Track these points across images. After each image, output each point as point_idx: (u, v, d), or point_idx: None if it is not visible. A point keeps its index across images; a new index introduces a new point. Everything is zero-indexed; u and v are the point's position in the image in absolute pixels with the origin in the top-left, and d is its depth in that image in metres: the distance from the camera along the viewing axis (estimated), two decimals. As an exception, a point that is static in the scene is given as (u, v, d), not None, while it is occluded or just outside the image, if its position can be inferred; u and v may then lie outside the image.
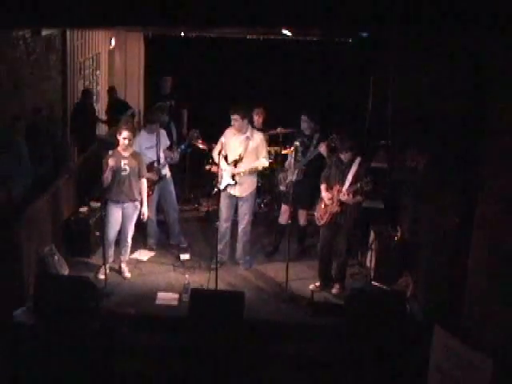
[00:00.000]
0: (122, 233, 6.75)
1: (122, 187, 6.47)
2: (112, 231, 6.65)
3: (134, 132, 6.85)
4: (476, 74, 5.04)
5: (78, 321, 5.21)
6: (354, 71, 9.86)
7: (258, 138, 6.94)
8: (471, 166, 5.07)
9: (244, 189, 6.95)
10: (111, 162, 6.34)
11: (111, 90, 10.03)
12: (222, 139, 6.92)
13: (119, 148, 6.49)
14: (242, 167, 6.86)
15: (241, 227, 7.14)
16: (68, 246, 7.27)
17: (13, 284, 5.89)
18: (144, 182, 6.72)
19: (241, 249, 7.19)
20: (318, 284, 6.70)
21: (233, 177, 6.87)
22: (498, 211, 4.57)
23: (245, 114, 6.83)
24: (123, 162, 6.46)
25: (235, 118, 6.76)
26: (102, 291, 6.23)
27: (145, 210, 6.76)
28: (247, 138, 6.85)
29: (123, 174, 6.47)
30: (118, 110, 9.62)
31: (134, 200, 6.64)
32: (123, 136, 6.39)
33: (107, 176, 6.38)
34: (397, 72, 8.54)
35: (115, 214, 6.60)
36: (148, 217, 7.49)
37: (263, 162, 6.96)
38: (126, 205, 6.57)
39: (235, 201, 7.05)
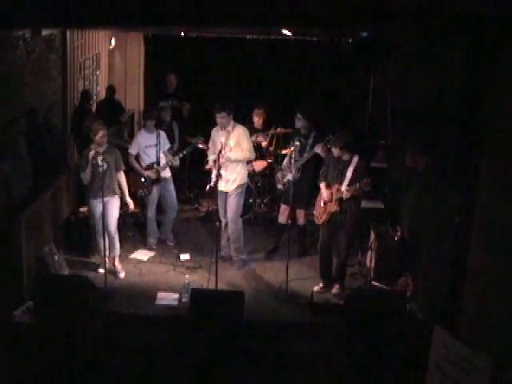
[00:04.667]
0: (106, 229, 6.74)
1: (102, 183, 6.48)
2: (100, 228, 6.66)
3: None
4: (476, 73, 5.03)
5: (78, 321, 5.21)
6: (354, 71, 9.85)
7: (239, 130, 6.96)
8: (471, 165, 5.07)
9: (228, 184, 6.99)
10: (91, 155, 6.47)
11: (110, 89, 9.85)
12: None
13: (93, 146, 6.57)
14: (225, 158, 6.86)
15: (229, 225, 7.14)
16: (68, 245, 7.28)
17: (13, 284, 5.89)
18: (122, 175, 6.85)
19: (232, 247, 7.22)
20: (321, 285, 6.69)
21: (219, 171, 6.88)
22: (498, 211, 4.57)
23: (231, 110, 6.87)
24: (99, 158, 6.52)
25: (222, 116, 6.81)
26: (102, 291, 6.23)
27: (128, 200, 6.90)
28: (228, 132, 6.91)
29: (100, 169, 6.53)
30: (110, 110, 9.40)
31: (114, 194, 6.74)
32: (100, 135, 6.52)
33: (88, 172, 6.53)
34: (397, 72, 8.53)
35: (97, 209, 6.63)
36: (148, 216, 7.54)
37: (247, 155, 6.97)
38: (106, 199, 6.55)
39: (225, 197, 7.10)
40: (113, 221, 6.78)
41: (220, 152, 6.71)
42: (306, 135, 7.16)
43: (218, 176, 6.84)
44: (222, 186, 7.02)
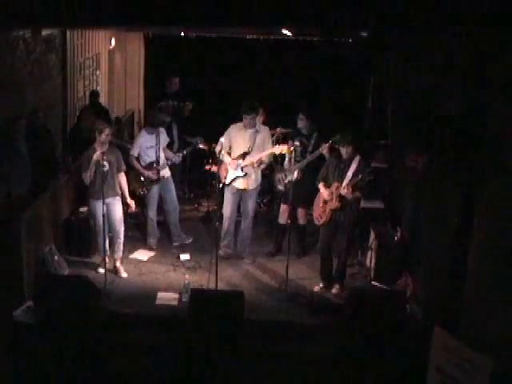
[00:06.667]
0: (112, 230, 6.76)
1: (104, 183, 6.47)
2: (102, 228, 6.64)
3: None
4: (476, 73, 5.03)
5: (78, 321, 5.21)
6: (354, 71, 9.86)
7: (265, 131, 7.13)
8: (471, 165, 5.07)
9: (251, 181, 7.07)
10: (96, 156, 6.42)
11: (93, 95, 9.43)
12: (222, 139, 6.92)
13: (96, 145, 6.55)
14: (255, 157, 6.96)
15: (245, 222, 7.25)
16: (68, 245, 7.28)
17: (13, 284, 5.89)
18: (123, 175, 6.83)
19: (245, 243, 7.32)
20: (321, 286, 6.71)
21: (241, 169, 6.96)
22: (498, 211, 4.57)
23: (259, 111, 7.06)
24: (102, 157, 6.50)
25: (252, 117, 6.88)
26: (102, 291, 6.22)
27: (129, 201, 6.88)
28: (256, 131, 6.99)
29: (104, 169, 6.51)
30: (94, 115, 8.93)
31: (116, 195, 6.73)
32: (106, 133, 6.50)
33: (91, 172, 6.50)
34: (397, 72, 8.53)
35: (98, 210, 6.59)
36: (148, 216, 7.54)
37: (282, 148, 7.00)
38: (108, 200, 6.54)
39: (239, 196, 7.14)
40: (117, 222, 6.78)
41: (248, 153, 6.87)
42: (308, 136, 7.17)
43: (244, 175, 6.96)
44: (240, 184, 7.05)
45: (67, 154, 8.64)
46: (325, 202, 6.44)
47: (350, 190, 6.23)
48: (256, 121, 6.99)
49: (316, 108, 8.10)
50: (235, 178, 7.01)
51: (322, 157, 6.93)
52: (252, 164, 6.97)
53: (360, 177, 6.16)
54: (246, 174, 6.99)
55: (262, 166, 7.23)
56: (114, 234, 6.81)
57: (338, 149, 6.49)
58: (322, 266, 6.71)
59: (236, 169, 6.98)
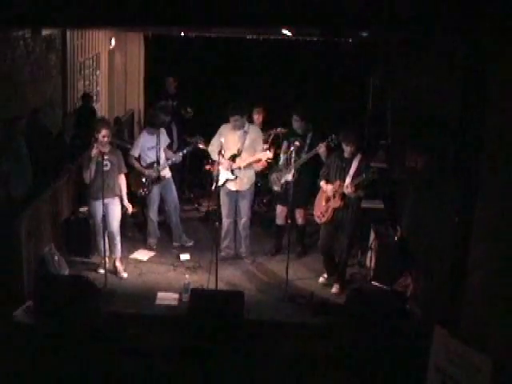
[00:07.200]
0: (109, 231, 6.75)
1: (105, 183, 6.44)
2: (101, 228, 6.64)
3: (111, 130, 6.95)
4: (475, 73, 5.03)
5: (78, 321, 5.21)
6: (354, 71, 9.86)
7: (255, 131, 7.06)
8: (471, 165, 5.07)
9: (243, 183, 7.03)
10: (93, 153, 6.39)
11: (85, 97, 9.26)
12: (222, 139, 6.91)
13: (97, 145, 6.51)
14: (244, 160, 6.92)
15: (242, 222, 7.21)
16: (68, 245, 7.28)
17: (13, 284, 5.89)
18: (123, 177, 6.82)
19: (244, 243, 7.30)
20: (326, 276, 6.76)
21: (232, 171, 6.93)
22: (498, 211, 4.57)
23: (244, 112, 6.94)
24: (105, 157, 6.49)
25: (236, 119, 6.82)
26: (102, 291, 6.23)
27: (127, 204, 6.85)
28: (245, 132, 6.93)
29: (105, 169, 6.50)
30: (83, 118, 8.81)
31: (115, 196, 6.71)
32: (102, 134, 6.45)
33: (91, 171, 6.47)
34: (397, 72, 8.54)
35: (98, 210, 6.59)
36: (148, 216, 7.54)
37: (267, 154, 7.00)
38: (107, 201, 6.51)
39: (235, 196, 7.11)
40: (115, 223, 6.77)
41: (239, 155, 6.84)
42: (303, 136, 7.16)
43: (235, 178, 6.92)
44: (233, 186, 7.03)
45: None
46: (327, 201, 6.45)
47: (353, 188, 6.23)
48: (243, 122, 6.90)
49: (315, 108, 8.08)
50: (226, 181, 6.99)
51: (317, 157, 6.93)
52: (239, 168, 6.94)
53: (364, 176, 6.16)
54: (236, 177, 6.97)
55: (257, 169, 7.21)
56: (111, 236, 6.80)
57: (339, 148, 6.50)
58: (325, 263, 6.75)
59: (227, 171, 6.96)
